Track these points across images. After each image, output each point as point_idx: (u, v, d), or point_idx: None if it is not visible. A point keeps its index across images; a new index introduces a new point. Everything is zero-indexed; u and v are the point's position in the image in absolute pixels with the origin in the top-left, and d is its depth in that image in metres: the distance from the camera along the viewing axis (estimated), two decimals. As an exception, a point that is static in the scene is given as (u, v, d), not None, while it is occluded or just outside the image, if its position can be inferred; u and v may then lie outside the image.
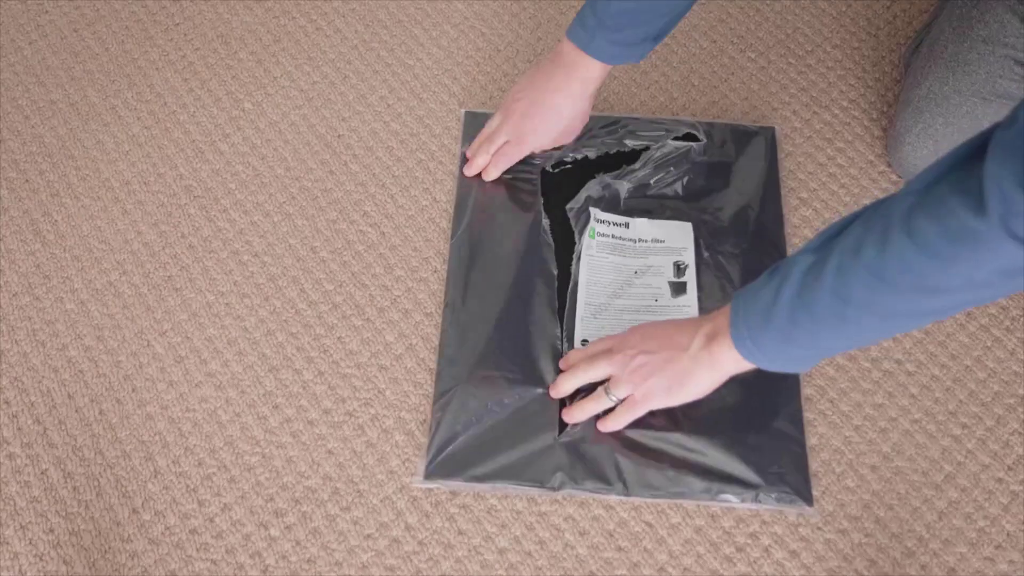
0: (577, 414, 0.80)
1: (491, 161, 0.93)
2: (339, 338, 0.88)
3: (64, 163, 0.98)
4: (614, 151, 0.95)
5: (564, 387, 0.81)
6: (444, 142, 0.99)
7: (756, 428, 0.80)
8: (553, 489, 0.79)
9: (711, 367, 0.73)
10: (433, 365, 0.86)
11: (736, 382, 0.75)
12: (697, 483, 0.78)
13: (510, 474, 0.79)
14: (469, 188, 0.94)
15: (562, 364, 0.83)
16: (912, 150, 0.91)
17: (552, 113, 0.90)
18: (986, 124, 0.87)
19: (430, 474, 0.79)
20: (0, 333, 0.88)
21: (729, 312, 0.71)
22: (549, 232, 0.91)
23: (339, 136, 1.00)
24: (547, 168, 0.94)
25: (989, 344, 0.86)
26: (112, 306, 0.90)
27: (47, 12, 1.10)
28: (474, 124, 0.97)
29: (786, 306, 0.65)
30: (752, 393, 0.81)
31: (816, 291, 0.63)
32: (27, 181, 0.97)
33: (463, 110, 0.99)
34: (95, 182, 0.97)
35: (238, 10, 1.10)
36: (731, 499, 0.78)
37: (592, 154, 0.95)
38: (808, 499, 0.78)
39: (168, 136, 1.00)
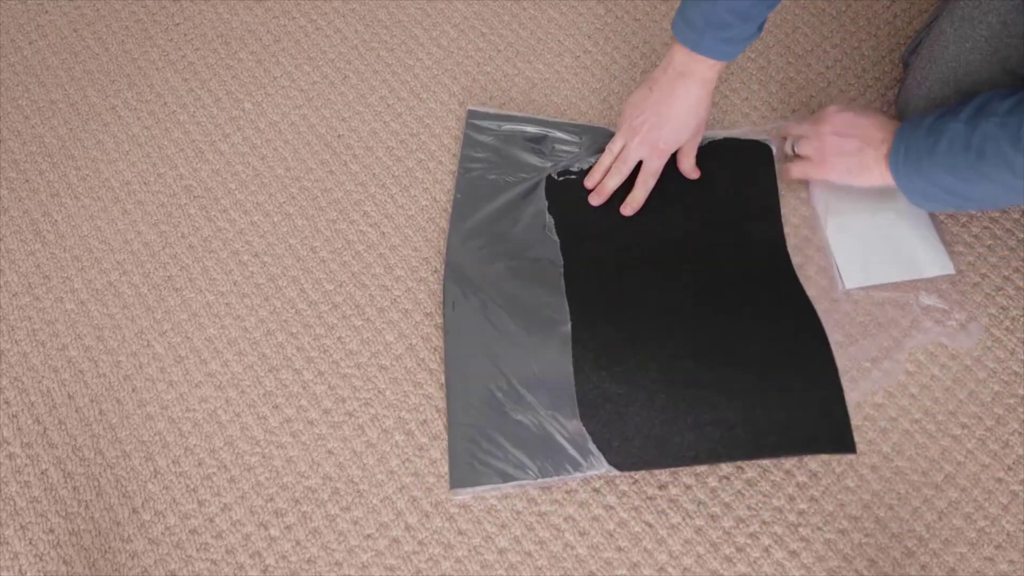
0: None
1: (637, 184, 0.92)
2: (339, 338, 0.88)
3: (64, 163, 0.98)
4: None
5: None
6: (444, 142, 0.99)
7: (793, 404, 0.79)
8: (589, 467, 0.78)
9: (881, 176, 0.84)
10: (434, 365, 0.86)
11: (761, 359, 0.81)
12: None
13: (541, 468, 0.78)
14: (468, 193, 0.93)
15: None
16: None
17: (682, 120, 0.90)
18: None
19: (456, 483, 0.79)
20: (0, 333, 0.88)
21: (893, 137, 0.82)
22: (553, 229, 0.91)
23: (339, 136, 1.00)
24: (553, 176, 0.94)
25: (989, 344, 0.86)
26: (112, 306, 0.90)
27: (47, 12, 1.10)
28: (481, 127, 0.97)
29: (931, 149, 0.77)
30: (781, 370, 0.80)
31: (959, 139, 0.75)
32: (27, 181, 0.97)
33: (468, 107, 0.99)
34: (95, 182, 0.97)
35: (238, 10, 1.10)
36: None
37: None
38: (851, 447, 0.77)
39: (168, 136, 1.00)
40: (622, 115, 0.93)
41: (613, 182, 0.92)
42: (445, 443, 0.82)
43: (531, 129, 0.97)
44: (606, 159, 0.93)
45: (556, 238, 0.90)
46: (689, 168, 0.93)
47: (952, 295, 0.88)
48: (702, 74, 0.87)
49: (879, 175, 0.84)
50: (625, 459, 0.78)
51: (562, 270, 0.87)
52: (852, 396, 0.82)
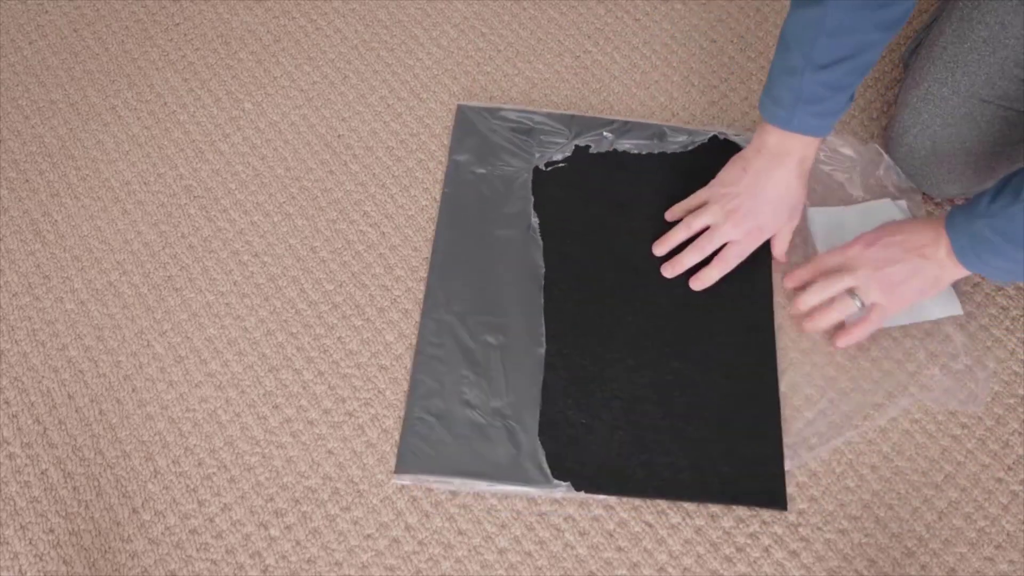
0: (821, 322, 0.84)
1: (715, 263, 0.87)
2: (339, 338, 0.88)
3: (64, 163, 0.98)
4: (607, 150, 0.96)
5: (808, 303, 0.84)
6: (444, 142, 0.99)
7: (736, 462, 0.80)
8: (536, 483, 0.79)
9: (955, 273, 0.80)
10: (433, 365, 0.86)
11: (717, 414, 0.82)
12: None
13: (491, 472, 0.79)
14: (456, 186, 0.94)
15: (789, 283, 0.87)
16: (910, 151, 0.91)
17: (780, 204, 0.86)
18: (984, 126, 0.87)
19: (401, 469, 0.80)
20: (0, 333, 0.88)
21: (946, 230, 0.78)
22: (538, 231, 0.91)
23: (339, 136, 1.00)
24: (540, 167, 0.94)
25: (989, 344, 0.86)
26: (112, 306, 0.90)
27: (47, 12, 1.10)
28: (470, 121, 0.97)
29: (989, 226, 0.74)
30: (732, 426, 0.82)
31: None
32: (27, 181, 0.97)
33: (458, 103, 0.99)
34: (95, 182, 0.97)
35: (238, 10, 1.10)
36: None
37: (592, 148, 0.95)
38: (782, 505, 0.79)
39: (168, 136, 1.00)
40: (710, 193, 0.88)
41: (691, 259, 0.87)
42: (445, 443, 0.82)
43: (519, 120, 0.97)
44: (680, 233, 0.88)
45: (540, 241, 0.90)
46: (780, 253, 0.89)
47: (959, 339, 0.86)
48: (799, 153, 0.84)
49: (951, 279, 0.81)
50: (576, 481, 0.79)
51: (543, 282, 0.88)
52: (829, 447, 0.82)
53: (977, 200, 0.76)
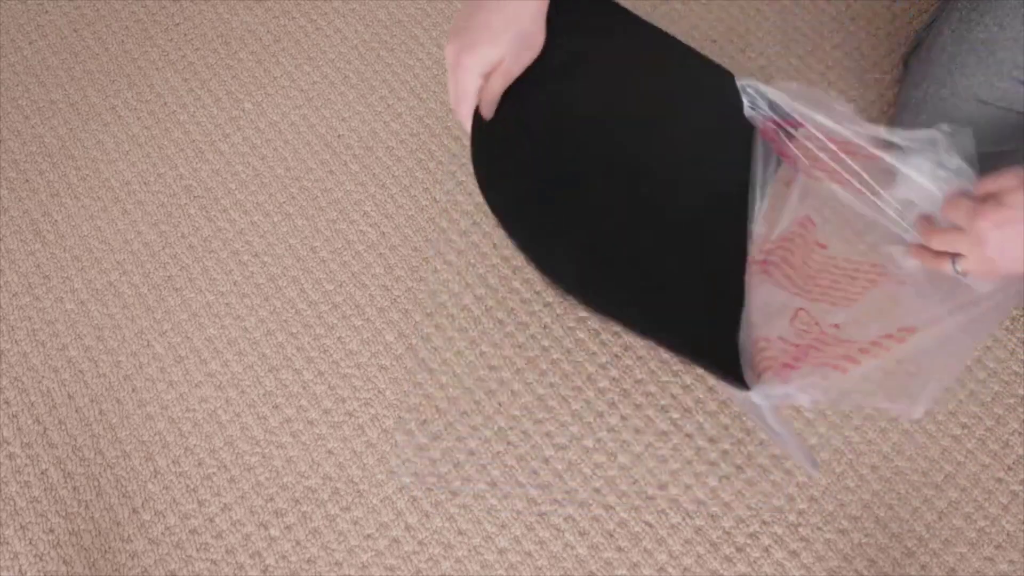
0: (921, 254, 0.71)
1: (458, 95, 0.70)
2: (339, 338, 0.88)
3: (64, 163, 0.98)
4: None
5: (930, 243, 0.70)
6: (444, 142, 0.99)
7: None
8: None
9: None
10: (434, 365, 0.86)
11: None
12: None
13: None
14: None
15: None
16: (910, 151, 0.91)
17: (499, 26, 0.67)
18: (983, 127, 0.87)
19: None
20: (0, 333, 0.88)
21: None
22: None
23: (339, 136, 1.00)
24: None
25: (989, 344, 0.86)
26: (112, 306, 0.90)
27: (47, 12, 1.10)
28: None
29: None
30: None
31: None
32: (27, 181, 0.97)
33: (740, 82, 0.81)
34: (95, 182, 0.97)
35: (238, 10, 1.10)
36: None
37: None
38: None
39: (168, 136, 1.00)
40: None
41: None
42: (445, 443, 0.82)
43: None
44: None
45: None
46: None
47: None
48: None
49: None
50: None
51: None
52: None
53: None
